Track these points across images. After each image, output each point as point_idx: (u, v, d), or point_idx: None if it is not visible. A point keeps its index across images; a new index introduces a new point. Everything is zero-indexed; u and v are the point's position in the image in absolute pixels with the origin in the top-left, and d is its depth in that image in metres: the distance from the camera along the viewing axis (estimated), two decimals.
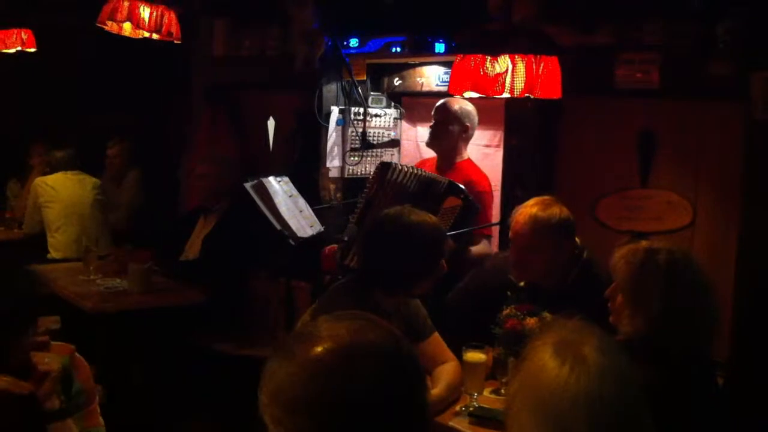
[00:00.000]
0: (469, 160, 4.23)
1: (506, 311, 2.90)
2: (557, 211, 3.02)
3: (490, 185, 4.11)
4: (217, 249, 4.60)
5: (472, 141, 4.68)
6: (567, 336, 1.45)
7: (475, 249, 3.86)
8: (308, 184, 4.73)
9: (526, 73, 3.03)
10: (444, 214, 3.62)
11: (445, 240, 2.80)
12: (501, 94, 3.09)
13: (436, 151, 4.27)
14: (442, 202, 3.65)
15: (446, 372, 2.83)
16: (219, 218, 4.75)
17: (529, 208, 3.04)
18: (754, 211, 3.20)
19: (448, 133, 4.14)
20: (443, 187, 3.69)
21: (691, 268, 2.26)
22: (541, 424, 1.36)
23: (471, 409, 2.70)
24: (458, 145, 4.17)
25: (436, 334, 2.96)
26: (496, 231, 4.13)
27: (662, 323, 2.18)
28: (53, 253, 5.53)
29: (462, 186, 3.72)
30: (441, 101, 4.26)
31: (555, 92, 3.11)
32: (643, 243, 2.37)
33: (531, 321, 2.79)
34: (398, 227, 2.73)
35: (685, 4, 3.32)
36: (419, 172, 3.77)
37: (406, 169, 3.75)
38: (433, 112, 4.25)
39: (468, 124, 4.16)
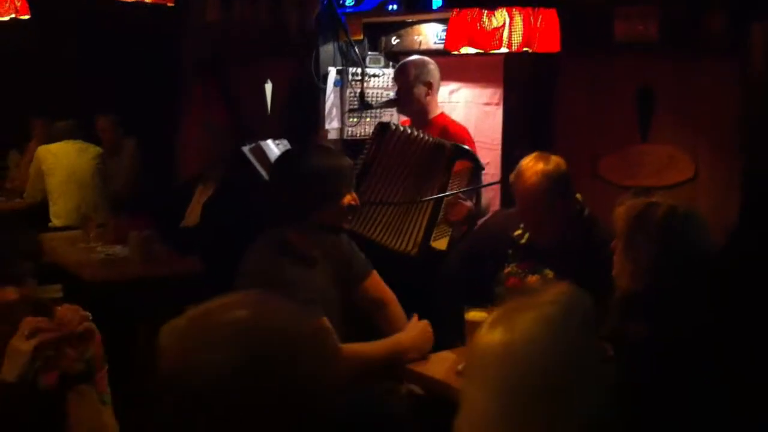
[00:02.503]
0: (442, 113, 4.16)
1: (507, 269, 2.88)
2: (559, 161, 2.98)
3: (469, 134, 4.05)
4: (218, 214, 4.56)
5: (471, 100, 4.64)
6: (517, 302, 1.36)
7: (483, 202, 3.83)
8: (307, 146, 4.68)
9: (523, 27, 2.98)
10: (456, 179, 3.55)
11: (341, 180, 2.68)
12: (499, 49, 3.05)
13: (407, 116, 4.24)
14: (452, 167, 3.54)
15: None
16: (217, 184, 4.71)
17: (534, 166, 2.96)
18: (754, 163, 3.17)
19: (413, 96, 4.08)
20: (450, 151, 3.56)
21: (692, 224, 2.22)
22: (483, 390, 1.26)
23: None
24: (427, 103, 4.10)
25: (374, 273, 2.92)
26: (497, 189, 4.10)
27: (653, 278, 2.16)
28: (55, 221, 5.54)
29: (467, 147, 3.66)
30: (398, 65, 4.24)
31: (554, 45, 3.07)
32: (646, 198, 2.34)
33: (532, 278, 2.77)
34: (290, 159, 2.75)
35: None
36: (421, 136, 3.63)
37: (408, 132, 3.64)
38: (392, 78, 4.21)
39: (431, 80, 4.08)
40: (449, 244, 3.54)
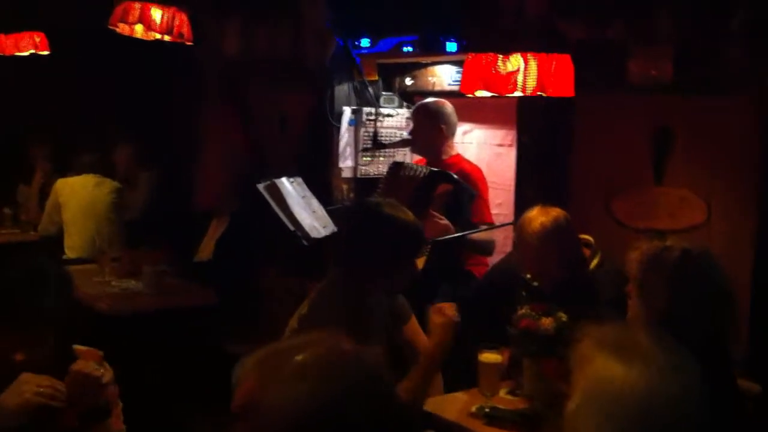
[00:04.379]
0: (458, 155, 4.26)
1: (521, 311, 2.90)
2: (558, 214, 3.06)
3: (482, 175, 4.16)
4: (231, 251, 4.60)
5: (483, 140, 4.69)
6: (619, 336, 1.44)
7: (476, 236, 3.91)
8: (321, 184, 4.73)
9: (538, 72, 3.01)
10: (437, 200, 3.74)
11: (420, 238, 2.75)
12: (513, 93, 3.08)
13: (422, 156, 4.32)
14: (434, 189, 3.77)
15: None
16: (231, 220, 4.74)
17: (533, 220, 3.05)
18: None
19: (427, 137, 4.19)
20: (434, 175, 3.83)
21: (706, 267, 2.24)
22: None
23: (486, 409, 2.69)
24: (441, 145, 4.19)
25: (414, 318, 2.95)
26: (509, 230, 4.13)
27: (669, 321, 2.16)
28: (69, 253, 5.56)
29: (453, 174, 3.84)
30: (415, 106, 4.36)
31: (568, 90, 3.09)
32: (661, 241, 2.36)
33: (546, 321, 2.77)
34: (372, 216, 2.71)
35: None
36: (425, 169, 3.92)
37: (416, 168, 3.89)
38: (408, 118, 4.30)
39: (443, 125, 4.18)
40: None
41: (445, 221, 3.70)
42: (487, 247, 4.01)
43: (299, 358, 1.24)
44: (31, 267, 2.05)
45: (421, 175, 3.86)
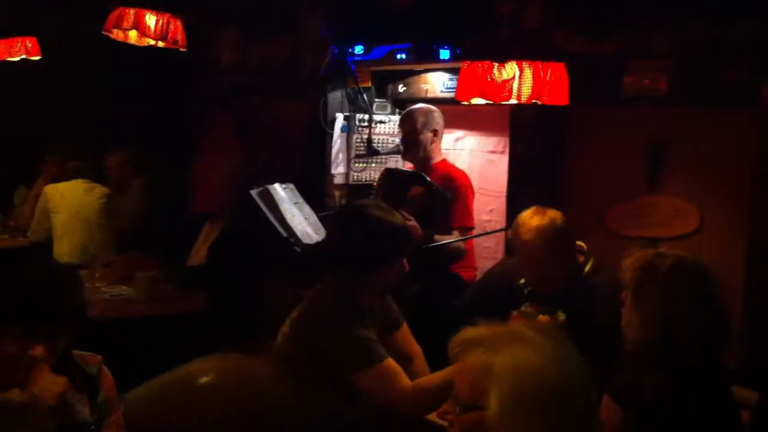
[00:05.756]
0: (444, 160, 4.29)
1: (523, 308, 2.91)
2: (554, 216, 3.00)
3: (468, 179, 4.18)
4: (224, 256, 4.59)
5: (476, 147, 4.70)
6: (503, 331, 1.50)
7: (448, 243, 3.92)
8: (314, 191, 4.73)
9: (533, 80, 3.03)
10: (410, 202, 3.75)
11: (406, 238, 2.75)
12: (508, 101, 3.10)
13: (411, 162, 4.35)
14: (408, 190, 3.79)
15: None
16: (225, 225, 4.74)
17: (529, 221, 2.99)
18: (763, 220, 3.20)
19: (419, 142, 4.21)
20: (409, 177, 3.87)
21: (697, 275, 2.24)
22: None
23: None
24: (431, 149, 4.23)
25: (405, 325, 2.94)
26: (501, 236, 4.14)
27: (663, 328, 2.17)
28: (58, 260, 5.52)
29: (425, 177, 3.85)
30: (404, 112, 4.36)
31: (562, 99, 3.12)
32: (653, 249, 2.37)
33: (543, 318, 2.78)
34: (358, 218, 2.71)
35: (695, 10, 3.31)
36: (396, 170, 4.03)
37: (405, 172, 3.95)
38: (398, 125, 4.30)
39: (436, 127, 4.23)
40: None
41: (412, 222, 3.68)
42: (456, 255, 4.02)
43: (203, 380, 1.26)
44: (46, 268, 2.05)
45: (396, 177, 3.91)
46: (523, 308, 2.86)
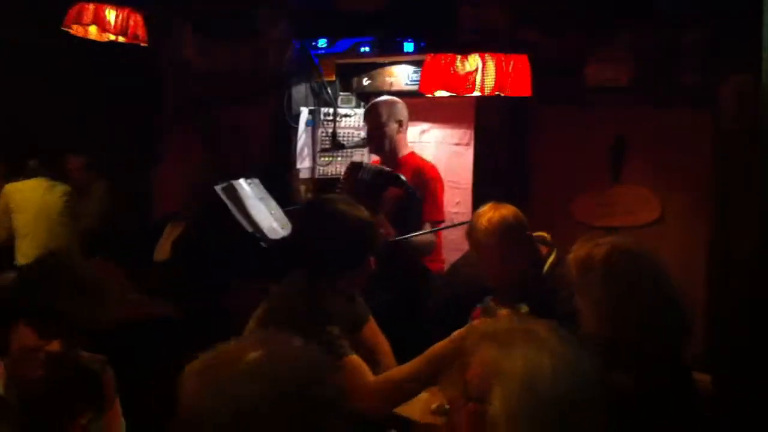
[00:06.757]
0: (412, 152, 4.25)
1: (485, 305, 2.91)
2: (508, 212, 3.00)
3: (438, 172, 4.15)
4: (187, 253, 4.54)
5: (441, 140, 4.71)
6: (516, 327, 1.49)
7: (418, 238, 3.88)
8: (279, 185, 4.70)
9: (496, 72, 3.05)
10: (385, 203, 3.73)
11: (374, 236, 2.69)
12: (472, 93, 3.11)
13: (378, 155, 4.32)
14: (384, 191, 3.76)
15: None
16: (187, 223, 4.69)
17: (483, 217, 2.99)
18: (723, 216, 3.24)
19: (385, 135, 4.18)
20: (385, 177, 3.81)
21: (634, 260, 2.18)
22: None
23: (446, 407, 2.69)
24: (395, 142, 4.19)
25: (372, 319, 2.92)
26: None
27: (610, 318, 2.14)
28: (21, 260, 5.43)
29: (403, 177, 3.80)
30: (368, 105, 4.34)
31: (525, 90, 3.13)
32: (593, 239, 2.30)
33: (503, 311, 2.78)
34: (324, 213, 2.66)
35: (653, 13, 3.35)
36: (376, 166, 3.93)
37: (371, 168, 3.87)
38: (363, 119, 4.29)
39: (401, 118, 4.19)
40: None
41: (390, 230, 3.69)
42: (426, 249, 4.00)
43: (249, 357, 1.25)
44: (61, 267, 2.10)
45: (374, 176, 3.83)
46: (485, 304, 2.86)
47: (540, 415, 1.37)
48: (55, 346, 1.97)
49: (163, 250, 4.75)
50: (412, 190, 3.79)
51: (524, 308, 2.76)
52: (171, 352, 4.13)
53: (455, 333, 2.56)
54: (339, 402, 1.30)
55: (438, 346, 2.50)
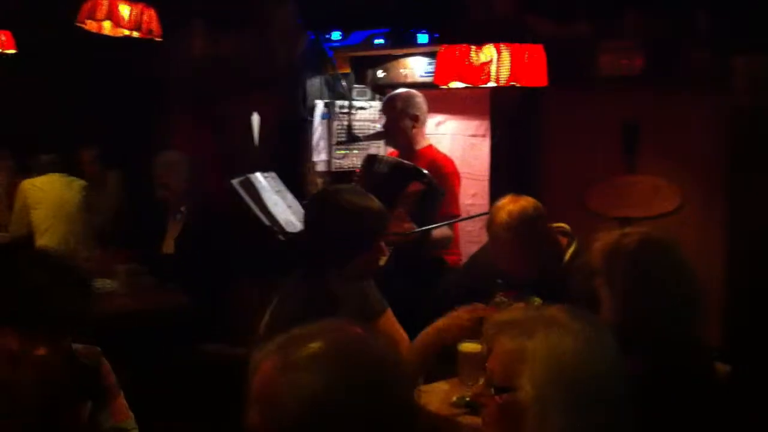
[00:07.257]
0: (430, 145, 4.23)
1: (496, 299, 2.90)
2: (526, 204, 3.00)
3: (455, 166, 4.12)
4: (188, 251, 4.53)
5: (457, 131, 4.69)
6: (536, 314, 1.49)
7: (435, 232, 3.86)
8: (295, 179, 4.70)
9: (511, 62, 3.01)
10: (406, 198, 3.68)
11: (379, 219, 2.68)
12: (487, 84, 3.08)
13: (395, 148, 4.30)
14: (406, 186, 3.70)
15: None
16: (184, 222, 4.67)
17: (501, 210, 3.01)
18: (739, 196, 3.21)
19: (400, 128, 4.15)
20: (407, 172, 3.76)
21: (665, 250, 2.20)
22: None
23: (467, 399, 2.69)
24: (414, 135, 4.17)
25: (389, 312, 2.89)
26: (484, 220, 4.14)
27: (633, 307, 2.14)
28: None
29: (426, 171, 3.77)
30: (385, 98, 4.31)
31: (541, 80, 3.10)
32: (620, 229, 2.34)
33: (517, 305, 2.77)
34: (331, 203, 2.67)
35: None
36: (395, 160, 3.90)
37: (390, 161, 3.85)
38: (379, 111, 4.26)
39: (417, 113, 4.16)
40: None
41: (409, 224, 3.66)
42: (444, 243, 3.99)
43: (315, 345, 1.25)
44: (54, 266, 2.02)
45: (394, 169, 3.81)
46: (497, 299, 2.85)
47: (569, 395, 1.37)
48: (42, 351, 1.88)
49: (168, 244, 4.76)
50: (435, 184, 3.75)
51: (537, 301, 2.75)
52: (185, 339, 4.18)
53: (438, 321, 2.67)
54: (407, 392, 1.30)
55: (423, 335, 2.60)
